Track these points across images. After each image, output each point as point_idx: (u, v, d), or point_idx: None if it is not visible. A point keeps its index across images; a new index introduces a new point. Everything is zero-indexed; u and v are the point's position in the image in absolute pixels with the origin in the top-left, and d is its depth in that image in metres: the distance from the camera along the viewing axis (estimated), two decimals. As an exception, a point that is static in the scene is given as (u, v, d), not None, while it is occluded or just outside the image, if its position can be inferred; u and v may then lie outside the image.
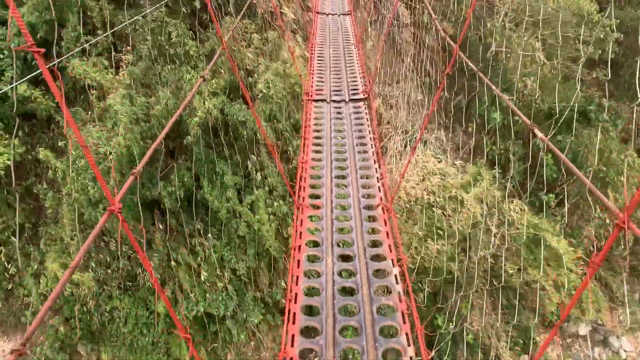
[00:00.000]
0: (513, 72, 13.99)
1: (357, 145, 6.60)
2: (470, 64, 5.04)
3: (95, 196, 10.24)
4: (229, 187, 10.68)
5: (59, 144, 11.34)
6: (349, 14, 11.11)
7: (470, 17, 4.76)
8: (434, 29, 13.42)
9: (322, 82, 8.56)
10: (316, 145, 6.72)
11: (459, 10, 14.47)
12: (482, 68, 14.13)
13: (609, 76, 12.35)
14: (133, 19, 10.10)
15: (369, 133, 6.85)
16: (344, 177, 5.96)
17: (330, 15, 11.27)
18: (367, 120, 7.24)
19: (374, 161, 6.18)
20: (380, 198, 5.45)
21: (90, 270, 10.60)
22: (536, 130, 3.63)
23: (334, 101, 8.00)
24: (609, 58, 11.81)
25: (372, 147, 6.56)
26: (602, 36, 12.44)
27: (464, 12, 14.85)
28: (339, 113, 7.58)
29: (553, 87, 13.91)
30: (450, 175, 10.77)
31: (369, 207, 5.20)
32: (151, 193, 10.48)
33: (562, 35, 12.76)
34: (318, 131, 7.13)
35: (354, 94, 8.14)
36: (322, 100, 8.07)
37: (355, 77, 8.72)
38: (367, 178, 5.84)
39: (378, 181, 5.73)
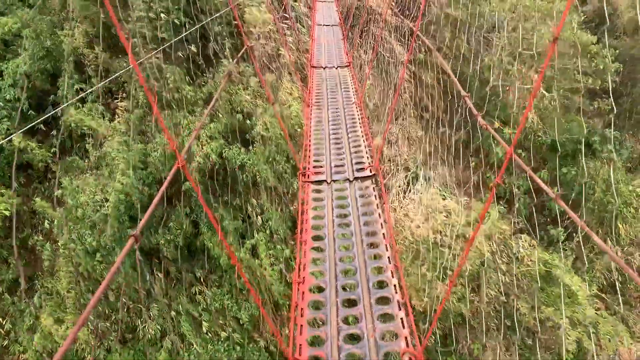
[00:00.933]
0: (513, 106, 14.04)
1: (367, 251, 4.95)
2: (461, 90, 5.01)
3: (93, 245, 10.11)
4: (229, 232, 10.54)
5: (56, 193, 11.25)
6: (347, 66, 10.36)
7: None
8: (432, 65, 13.53)
9: (320, 156, 7.04)
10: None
11: (454, 46, 14.64)
12: (481, 103, 14.26)
13: (614, 108, 12.44)
14: (128, 68, 10.14)
15: (381, 227, 5.35)
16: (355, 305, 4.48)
17: (327, 69, 10.35)
18: (378, 208, 5.78)
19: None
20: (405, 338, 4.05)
21: (88, 324, 10.35)
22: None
23: (335, 181, 6.59)
24: (610, 89, 11.89)
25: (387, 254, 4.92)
26: (602, 67, 12.53)
27: (459, 47, 15.05)
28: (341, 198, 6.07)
29: (554, 119, 13.97)
30: (455, 213, 10.64)
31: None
32: (150, 242, 10.33)
33: (560, 67, 12.87)
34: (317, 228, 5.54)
35: (358, 170, 6.64)
36: (322, 182, 6.66)
37: (359, 148, 7.11)
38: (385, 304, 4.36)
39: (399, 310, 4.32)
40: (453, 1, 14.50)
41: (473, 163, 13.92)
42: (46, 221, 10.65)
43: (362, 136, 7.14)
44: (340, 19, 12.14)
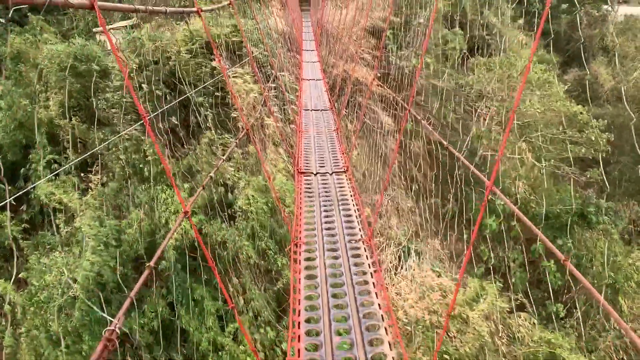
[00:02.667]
0: (503, 176, 13.89)
1: None
2: (462, 158, 4.66)
3: (58, 332, 9.34)
4: (209, 314, 9.87)
5: (21, 274, 10.58)
6: (344, 172, 6.81)
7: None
8: (420, 135, 13.42)
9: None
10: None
11: (441, 116, 14.67)
12: (472, 174, 14.10)
13: (605, 181, 12.34)
14: (107, 142, 9.80)
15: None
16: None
17: (319, 175, 6.76)
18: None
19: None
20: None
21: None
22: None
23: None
24: (600, 158, 11.80)
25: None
26: (593, 138, 12.52)
27: (446, 117, 15.08)
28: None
29: (545, 189, 13.81)
30: (451, 291, 10.12)
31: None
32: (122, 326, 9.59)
33: (550, 137, 12.83)
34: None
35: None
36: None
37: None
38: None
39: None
40: (439, 72, 14.64)
41: (466, 235, 13.55)
42: (7, 305, 9.91)
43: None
44: (330, 102, 11.18)
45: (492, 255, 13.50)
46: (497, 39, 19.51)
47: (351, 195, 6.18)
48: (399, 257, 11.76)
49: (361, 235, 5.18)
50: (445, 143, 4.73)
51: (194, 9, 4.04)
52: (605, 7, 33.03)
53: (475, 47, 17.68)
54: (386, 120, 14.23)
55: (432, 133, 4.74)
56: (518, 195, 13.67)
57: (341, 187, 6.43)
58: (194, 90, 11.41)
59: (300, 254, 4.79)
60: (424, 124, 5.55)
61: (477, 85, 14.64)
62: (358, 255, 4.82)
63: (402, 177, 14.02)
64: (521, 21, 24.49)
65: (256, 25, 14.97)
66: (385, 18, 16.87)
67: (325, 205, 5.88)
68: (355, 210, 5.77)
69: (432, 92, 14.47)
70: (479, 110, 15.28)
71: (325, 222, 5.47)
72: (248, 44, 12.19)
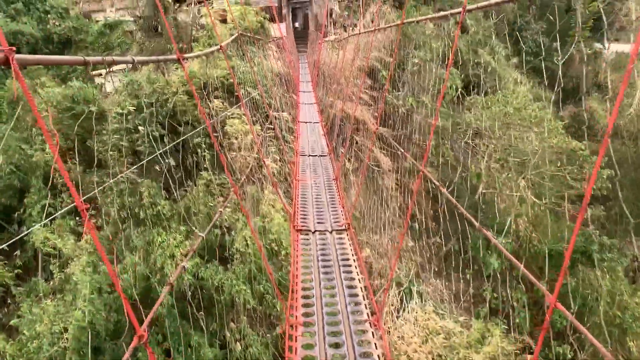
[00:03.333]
0: (504, 214, 13.72)
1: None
2: (463, 210, 4.49)
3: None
4: (206, 362, 9.53)
5: (12, 322, 10.27)
6: (345, 230, 6.14)
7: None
8: (417, 174, 13.27)
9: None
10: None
11: (440, 154, 14.59)
12: (472, 211, 13.94)
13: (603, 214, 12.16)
14: (103, 185, 9.65)
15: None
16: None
17: (318, 233, 6.01)
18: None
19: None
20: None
21: None
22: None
23: None
24: (601, 194, 11.66)
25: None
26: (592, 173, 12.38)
27: (445, 155, 15.00)
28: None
29: (546, 227, 13.61)
30: (455, 334, 9.81)
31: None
32: (114, 376, 9.26)
33: (550, 173, 12.73)
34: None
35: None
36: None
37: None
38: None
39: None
40: (434, 111, 14.62)
41: (468, 275, 13.29)
42: (-3, 355, 9.58)
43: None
44: (328, 146, 10.27)
45: (494, 295, 13.22)
46: (492, 77, 19.65)
47: (354, 259, 5.31)
48: (401, 299, 11.47)
49: (368, 313, 4.37)
50: (437, 183, 4.52)
51: (174, 57, 3.76)
52: (597, 44, 33.52)
53: (471, 85, 17.76)
54: (384, 159, 14.14)
55: (434, 182, 4.51)
56: (519, 233, 13.49)
57: (342, 248, 5.58)
58: (191, 133, 11.33)
59: (296, 340, 3.98)
60: (432, 180, 5.22)
61: (474, 123, 14.61)
62: (366, 343, 3.99)
63: (402, 215, 13.84)
64: (515, 60, 24.73)
65: (253, 67, 15.07)
66: (381, 58, 17.02)
67: (325, 273, 5.04)
68: (359, 280, 4.94)
69: (429, 131, 14.42)
70: (476, 148, 15.23)
71: (326, 296, 4.70)
72: (239, 86, 12.22)
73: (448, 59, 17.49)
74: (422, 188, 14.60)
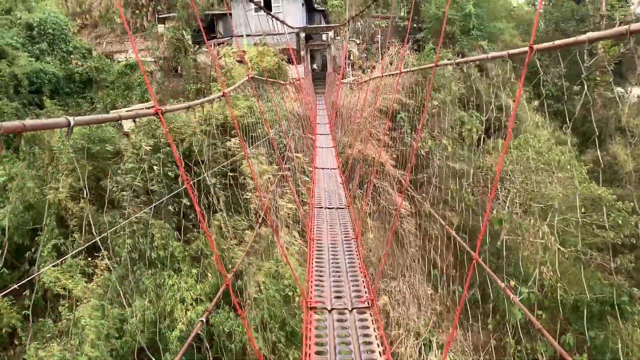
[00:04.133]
0: (528, 261, 13.26)
1: None
2: (488, 269, 4.17)
3: None
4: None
5: (18, 364, 10.02)
6: (368, 307, 5.17)
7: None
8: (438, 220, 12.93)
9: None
10: None
11: (461, 198, 14.26)
12: (494, 259, 13.51)
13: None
14: (115, 227, 9.50)
15: None
16: None
17: (335, 312, 4.96)
18: None
19: None
20: None
21: None
22: None
23: None
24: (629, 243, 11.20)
25: None
26: (619, 221, 11.95)
27: (465, 199, 14.66)
28: None
29: (572, 275, 13.10)
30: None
31: None
32: None
33: (575, 221, 12.31)
34: None
35: None
36: None
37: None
38: None
39: None
40: (453, 155, 14.42)
41: (490, 325, 12.76)
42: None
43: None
44: (347, 196, 9.18)
45: (517, 347, 12.65)
46: (513, 120, 19.43)
47: (380, 351, 4.11)
48: (419, 350, 10.98)
49: None
50: (452, 233, 4.22)
51: (150, 112, 3.23)
52: (618, 89, 33.30)
53: (491, 128, 17.58)
54: (403, 202, 13.84)
55: (451, 232, 4.23)
56: (544, 282, 12.97)
57: (365, 334, 4.35)
58: (207, 172, 11.21)
59: None
60: (448, 230, 4.83)
61: (495, 167, 14.32)
62: None
63: (421, 261, 13.43)
64: (536, 103, 24.56)
65: (270, 109, 15.06)
66: (399, 100, 16.97)
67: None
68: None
69: (450, 174, 14.17)
70: (498, 192, 14.88)
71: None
72: (255, 126, 12.13)
73: (468, 101, 17.42)
74: (443, 234, 14.24)
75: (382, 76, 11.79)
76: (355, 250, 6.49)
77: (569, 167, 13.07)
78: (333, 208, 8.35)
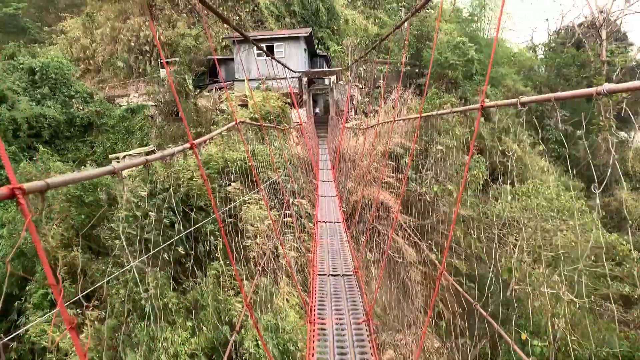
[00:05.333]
0: (539, 313, 12.72)
1: None
2: (497, 327, 3.79)
3: None
4: None
5: None
6: None
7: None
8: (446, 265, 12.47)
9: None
10: None
11: (468, 245, 13.86)
12: (504, 309, 12.99)
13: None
14: (110, 277, 9.09)
15: None
16: None
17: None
18: None
19: None
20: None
21: None
22: None
23: None
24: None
25: None
26: (635, 272, 11.50)
27: (473, 247, 14.25)
28: None
29: (586, 328, 12.55)
30: None
31: None
32: None
33: (588, 270, 11.85)
34: None
35: None
36: None
37: None
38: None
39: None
40: (461, 201, 14.09)
41: (501, 382, 12.12)
42: None
43: None
44: (354, 258, 8.02)
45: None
46: (518, 165, 19.21)
47: None
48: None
49: None
50: (461, 290, 3.86)
51: (110, 168, 2.91)
52: (622, 133, 33.29)
53: (496, 172, 17.32)
54: (408, 250, 13.43)
55: (452, 283, 3.89)
56: (556, 335, 12.40)
57: None
58: (204, 221, 10.86)
59: None
60: (451, 281, 4.47)
61: (503, 213, 13.97)
62: None
63: (428, 313, 12.89)
64: (541, 147, 24.41)
65: (271, 152, 14.84)
66: (402, 143, 16.77)
67: None
68: None
69: (455, 220, 13.78)
70: (505, 239, 14.49)
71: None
72: (256, 170, 11.86)
73: (471, 146, 17.21)
74: (449, 283, 13.75)
75: (383, 123, 11.58)
76: (367, 338, 5.19)
77: (579, 214, 12.70)
78: (338, 275, 7.21)
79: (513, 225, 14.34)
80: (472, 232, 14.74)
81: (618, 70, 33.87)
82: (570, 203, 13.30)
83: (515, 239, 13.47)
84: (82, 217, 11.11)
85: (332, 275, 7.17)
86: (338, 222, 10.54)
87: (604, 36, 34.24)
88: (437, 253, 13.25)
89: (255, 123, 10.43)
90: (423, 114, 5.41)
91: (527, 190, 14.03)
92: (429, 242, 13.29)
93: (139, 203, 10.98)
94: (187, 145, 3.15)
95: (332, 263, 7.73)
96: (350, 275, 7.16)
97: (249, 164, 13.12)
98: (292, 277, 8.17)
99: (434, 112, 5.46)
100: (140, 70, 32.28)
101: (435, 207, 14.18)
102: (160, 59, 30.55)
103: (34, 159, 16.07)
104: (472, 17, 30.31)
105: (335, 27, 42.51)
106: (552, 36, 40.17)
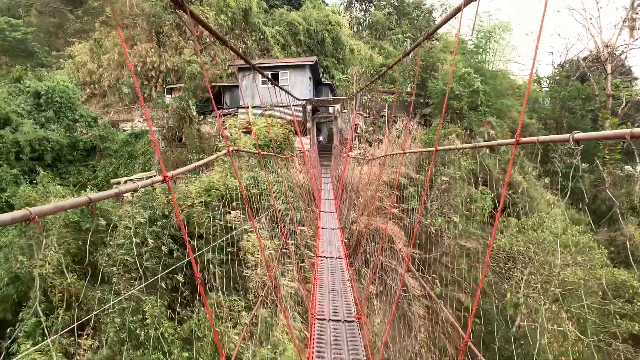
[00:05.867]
0: (545, 351, 12.36)
1: None
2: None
3: None
4: None
5: None
6: None
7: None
8: (450, 300, 12.23)
9: None
10: None
11: (473, 279, 13.58)
12: (509, 345, 12.63)
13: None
14: (106, 306, 8.87)
15: None
16: None
17: None
18: None
19: None
20: None
21: None
22: None
23: None
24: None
25: None
26: (645, 311, 11.21)
27: (476, 280, 13.96)
28: None
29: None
30: None
31: None
32: None
33: (596, 307, 11.55)
34: None
35: None
36: None
37: None
38: None
39: None
40: (464, 233, 13.87)
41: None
42: None
43: None
44: (357, 303, 7.21)
45: None
46: (524, 197, 19.01)
47: None
48: None
49: None
50: (460, 330, 3.66)
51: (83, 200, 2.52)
52: (627, 167, 33.05)
53: (504, 205, 17.09)
54: (412, 283, 13.14)
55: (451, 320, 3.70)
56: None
57: None
58: (205, 249, 10.65)
59: None
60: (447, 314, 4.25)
61: (509, 247, 13.72)
62: None
63: (431, 347, 12.56)
64: (547, 180, 24.22)
65: (277, 179, 14.69)
66: (406, 174, 16.62)
67: None
68: None
69: (460, 253, 13.54)
70: (510, 273, 14.20)
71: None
72: (259, 197, 11.69)
73: (477, 178, 17.05)
74: (453, 316, 13.42)
75: (388, 155, 11.39)
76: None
77: (587, 249, 12.45)
78: (339, 320, 6.50)
79: (519, 259, 14.07)
80: (477, 265, 14.47)
81: (624, 104, 33.91)
82: (577, 238, 13.05)
83: (521, 273, 13.19)
84: (80, 243, 10.92)
85: (333, 320, 6.51)
86: (340, 258, 9.64)
87: (609, 70, 34.35)
88: (441, 287, 12.97)
89: (249, 151, 10.28)
90: (439, 148, 5.18)
91: (534, 224, 13.80)
92: (433, 275, 13.03)
93: (138, 230, 10.80)
94: (159, 178, 2.88)
95: (333, 305, 7.05)
96: (353, 321, 6.48)
97: (247, 191, 12.98)
98: (289, 329, 7.88)
99: (455, 146, 5.21)
100: (146, 95, 32.46)
101: (440, 239, 13.94)
102: (166, 85, 30.74)
103: (34, 182, 15.95)
104: (477, 49, 30.45)
105: (340, 57, 42.88)
106: (556, 69, 40.40)
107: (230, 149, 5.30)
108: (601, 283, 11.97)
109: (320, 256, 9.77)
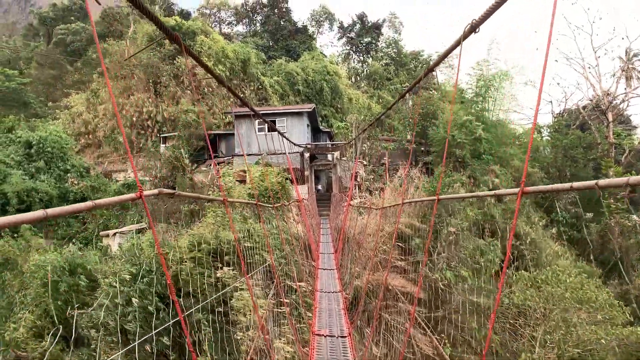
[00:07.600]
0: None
1: None
2: None
3: None
4: None
5: None
6: None
7: None
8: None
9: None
10: None
11: (483, 337, 12.66)
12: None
13: None
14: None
15: None
16: None
17: None
18: None
19: None
20: None
21: None
22: None
23: None
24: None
25: None
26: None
27: (483, 334, 13.04)
28: None
29: None
30: None
31: None
32: None
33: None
34: None
35: None
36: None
37: None
38: None
39: None
40: (477, 288, 13.02)
41: None
42: None
43: None
44: None
45: None
46: (532, 248, 18.23)
47: None
48: None
49: None
50: None
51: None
52: (634, 217, 32.37)
53: (512, 258, 16.29)
54: (421, 339, 12.19)
55: None
56: None
57: None
58: (194, 308, 9.80)
59: None
60: None
61: (521, 303, 12.85)
62: None
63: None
64: (554, 230, 23.49)
65: (273, 231, 13.95)
66: (410, 224, 15.88)
67: None
68: None
69: (471, 310, 12.63)
70: (521, 331, 13.27)
71: None
72: (253, 251, 10.96)
73: (483, 228, 16.32)
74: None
75: (391, 206, 10.69)
76: None
77: (608, 306, 11.61)
78: None
79: (531, 316, 13.17)
80: (487, 323, 13.55)
81: (627, 152, 33.67)
82: (595, 293, 12.21)
83: (534, 330, 12.28)
84: (59, 302, 10.07)
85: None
86: (343, 337, 7.81)
87: (610, 118, 34.27)
88: (450, 348, 12.02)
89: (247, 202, 9.62)
90: (441, 197, 4.50)
91: (547, 278, 12.97)
92: (441, 335, 12.11)
93: (122, 287, 9.97)
94: (133, 195, 2.55)
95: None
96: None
97: (240, 244, 12.21)
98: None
99: (457, 195, 4.57)
100: (141, 145, 32.12)
101: (449, 295, 13.07)
102: (160, 134, 30.39)
103: (16, 235, 15.18)
104: (477, 97, 30.35)
105: (339, 106, 42.91)
106: (556, 118, 40.31)
107: (227, 199, 4.64)
108: (625, 343, 11.08)
109: (318, 334, 7.99)
